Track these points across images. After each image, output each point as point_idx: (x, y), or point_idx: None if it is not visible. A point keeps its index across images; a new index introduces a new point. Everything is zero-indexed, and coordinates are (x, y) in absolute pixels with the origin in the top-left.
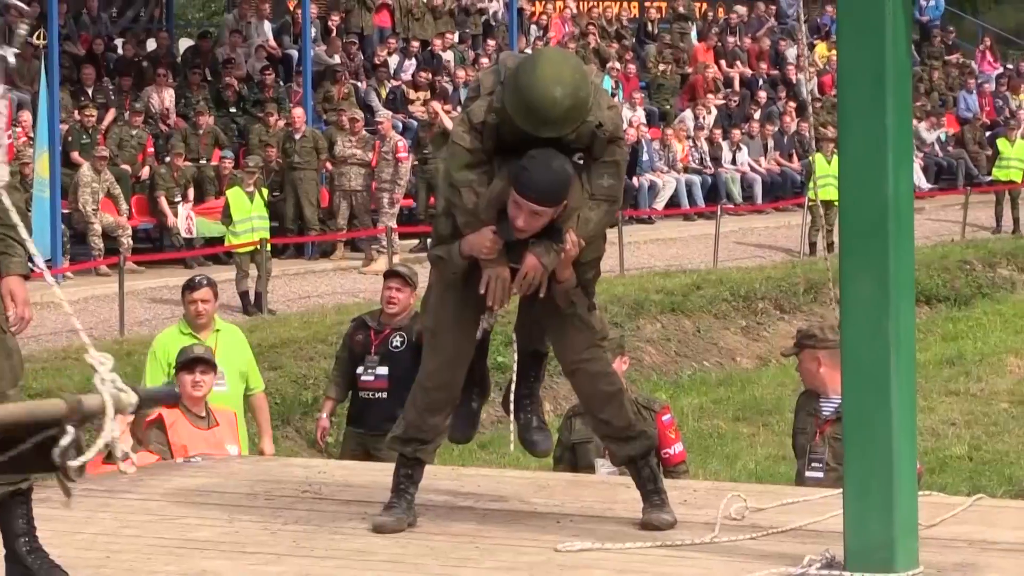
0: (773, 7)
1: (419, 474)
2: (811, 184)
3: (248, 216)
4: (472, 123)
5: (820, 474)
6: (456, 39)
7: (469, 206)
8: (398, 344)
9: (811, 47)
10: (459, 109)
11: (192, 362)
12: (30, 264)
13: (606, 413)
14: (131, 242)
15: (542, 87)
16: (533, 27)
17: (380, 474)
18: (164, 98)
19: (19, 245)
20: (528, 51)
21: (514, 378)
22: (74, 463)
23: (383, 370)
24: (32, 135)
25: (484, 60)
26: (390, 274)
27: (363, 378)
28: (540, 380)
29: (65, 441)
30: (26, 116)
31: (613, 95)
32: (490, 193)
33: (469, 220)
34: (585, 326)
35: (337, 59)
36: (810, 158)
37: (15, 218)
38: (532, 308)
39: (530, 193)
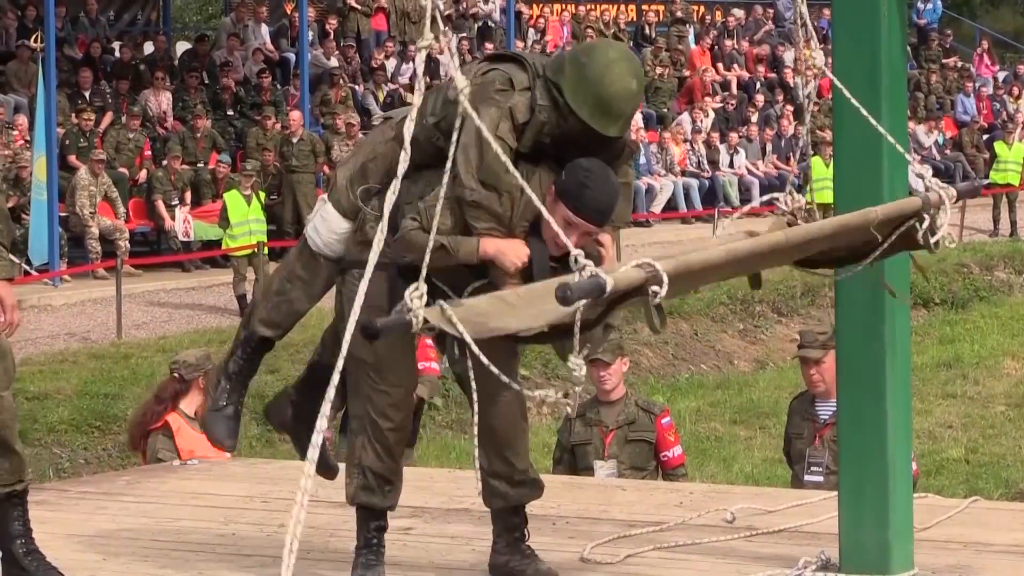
0: (771, 11)
1: (387, 523)
2: (808, 187)
3: (245, 219)
4: (516, 120)
5: (820, 478)
6: (454, 43)
7: (501, 212)
8: None
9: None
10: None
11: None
12: (26, 267)
13: (513, 451)
14: (128, 245)
15: (619, 79)
16: (531, 31)
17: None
18: (161, 101)
19: (3, 248)
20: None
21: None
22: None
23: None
24: (29, 138)
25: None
26: None
27: None
28: None
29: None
30: (22, 120)
31: None
32: (524, 203)
33: (494, 226)
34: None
35: (334, 62)
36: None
37: None
38: None
39: (591, 214)
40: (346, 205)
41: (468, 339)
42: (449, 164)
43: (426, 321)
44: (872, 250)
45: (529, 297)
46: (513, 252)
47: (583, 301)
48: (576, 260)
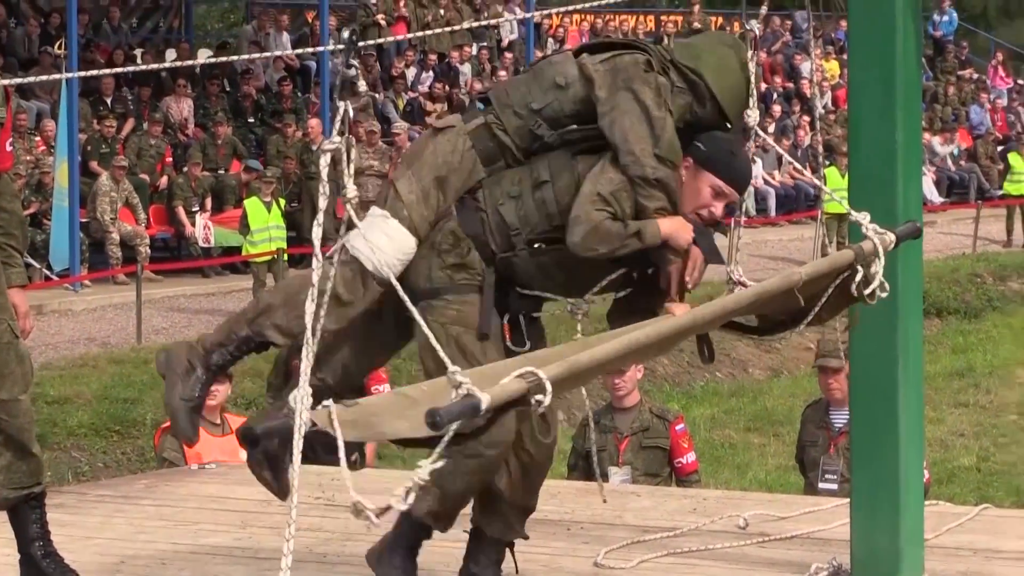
0: (788, 22)
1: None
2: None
3: (266, 226)
4: (666, 99)
5: (835, 486)
6: (474, 52)
7: (675, 189)
8: None
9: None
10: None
11: None
12: (47, 272)
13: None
14: (149, 251)
15: (747, 69)
16: (550, 40)
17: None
18: (183, 108)
19: (18, 255)
20: None
21: None
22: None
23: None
24: (52, 144)
25: (502, 72)
26: None
27: None
28: None
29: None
30: (51, 125)
31: None
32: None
33: (666, 205)
34: None
35: (355, 71)
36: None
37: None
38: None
39: (740, 180)
40: (417, 221)
41: (340, 443)
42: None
43: (313, 424)
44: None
45: (433, 392)
46: (684, 228)
47: (455, 424)
48: (453, 376)
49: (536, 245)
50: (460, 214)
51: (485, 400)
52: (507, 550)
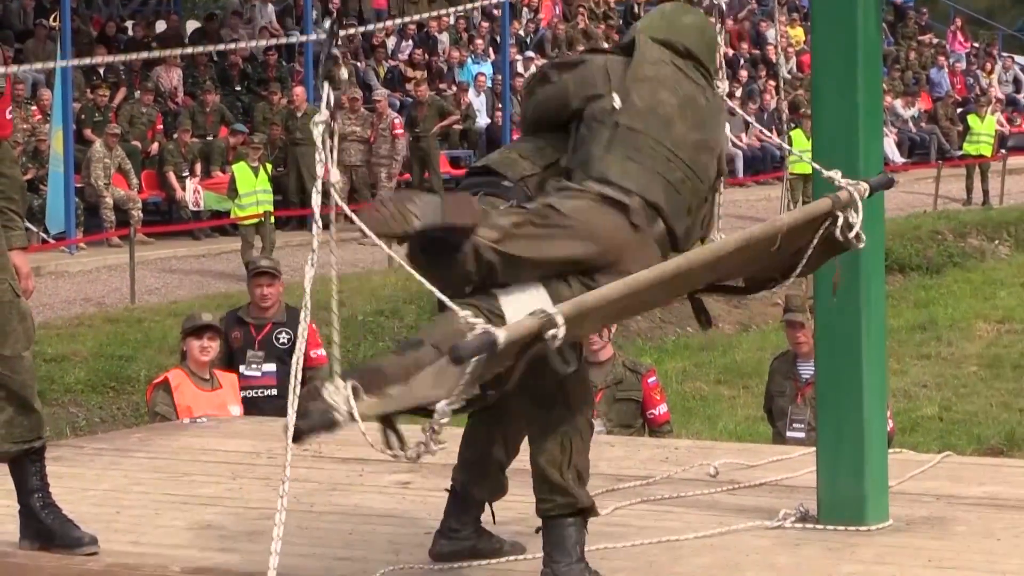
0: None
1: None
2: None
3: (253, 190)
4: None
5: (802, 434)
6: (451, 21)
7: None
8: (285, 341)
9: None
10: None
11: (200, 328)
12: (43, 236)
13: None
14: (141, 215)
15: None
16: (525, 9)
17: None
18: (173, 77)
19: (18, 218)
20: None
21: None
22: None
23: (270, 367)
24: (48, 113)
25: (478, 40)
26: (258, 272)
27: (246, 374)
28: None
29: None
30: (47, 94)
31: None
32: None
33: None
34: None
35: (338, 58)
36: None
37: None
38: None
39: None
40: None
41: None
42: None
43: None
44: (799, 262)
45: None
46: None
47: (476, 358)
48: (465, 320)
49: None
50: (522, 202)
51: (502, 335)
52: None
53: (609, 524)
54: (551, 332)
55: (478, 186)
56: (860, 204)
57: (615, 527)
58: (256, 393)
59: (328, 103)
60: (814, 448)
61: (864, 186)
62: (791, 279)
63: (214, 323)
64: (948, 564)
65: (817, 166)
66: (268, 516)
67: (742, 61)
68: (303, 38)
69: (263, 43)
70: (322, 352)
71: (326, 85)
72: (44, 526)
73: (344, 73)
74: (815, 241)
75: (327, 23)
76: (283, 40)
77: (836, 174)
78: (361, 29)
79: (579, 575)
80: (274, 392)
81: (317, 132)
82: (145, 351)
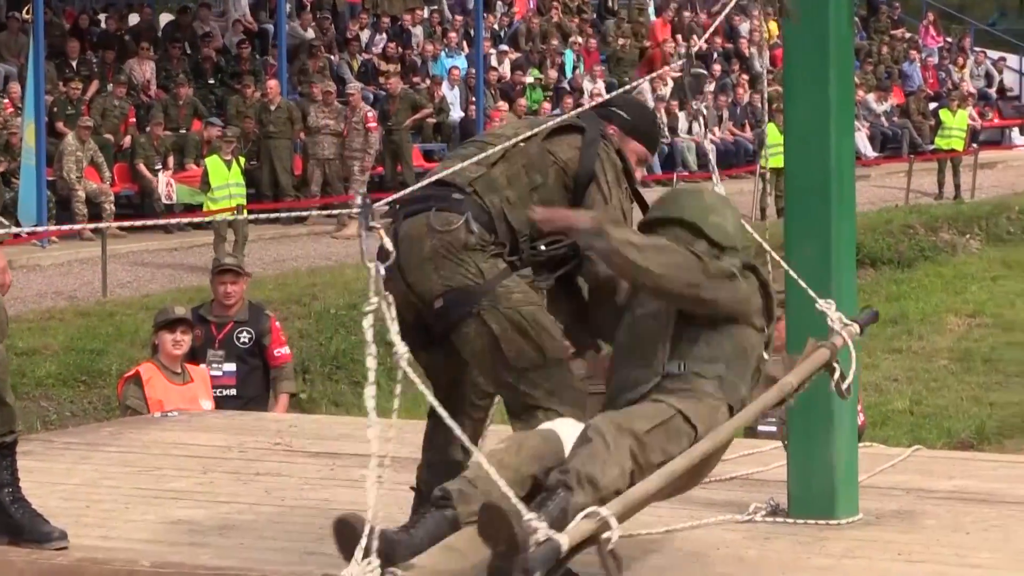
0: None
1: None
2: (763, 152)
3: (226, 183)
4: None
5: (773, 428)
6: (425, 14)
7: None
8: (246, 340)
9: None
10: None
11: (173, 322)
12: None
13: None
14: (114, 208)
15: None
16: (499, 3)
17: (348, 427)
18: (145, 70)
19: None
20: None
21: None
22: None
23: (230, 366)
24: (20, 106)
25: (452, 34)
26: (221, 269)
27: (209, 374)
28: None
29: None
30: (15, 88)
31: (575, 68)
32: None
33: None
34: None
35: (311, 33)
36: (763, 128)
37: None
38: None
39: (656, 147)
40: None
41: None
42: None
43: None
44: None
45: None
46: None
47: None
48: (530, 523)
49: (536, 246)
50: (475, 213)
51: (564, 542)
52: None
53: None
54: (606, 535)
55: (428, 199)
56: (852, 347)
57: None
58: (216, 392)
59: (379, 287)
60: (785, 443)
61: (855, 328)
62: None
63: (187, 317)
64: (917, 557)
65: (812, 293)
66: (239, 511)
67: (715, 55)
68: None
69: None
70: (286, 350)
71: (372, 267)
72: (13, 520)
73: (388, 243)
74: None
75: (358, 198)
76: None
77: (830, 307)
78: (391, 198)
79: None
80: (233, 392)
81: (367, 323)
82: (117, 345)
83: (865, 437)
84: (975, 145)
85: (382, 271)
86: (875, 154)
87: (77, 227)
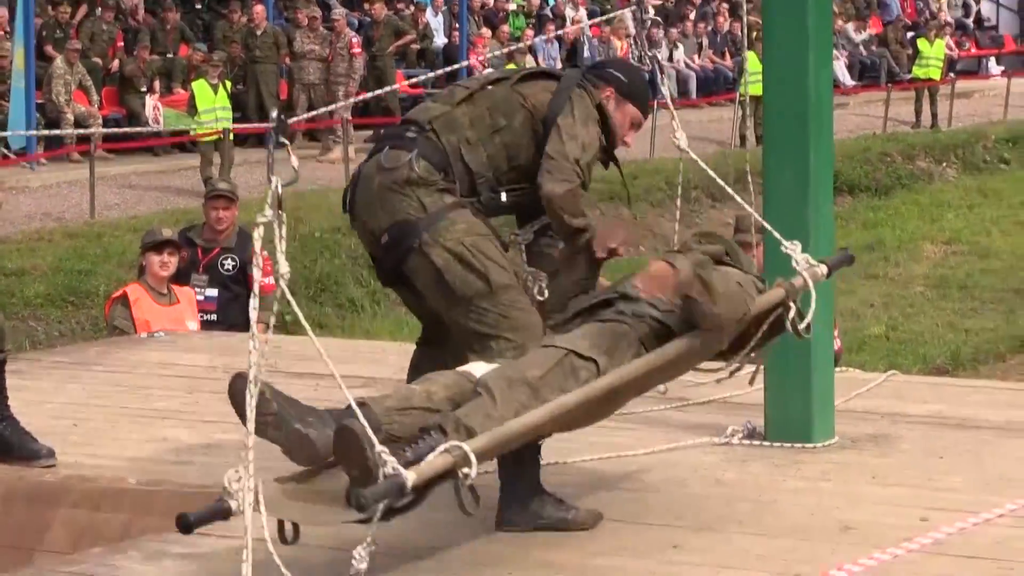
0: None
1: None
2: (743, 80)
3: (212, 107)
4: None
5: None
6: None
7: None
8: (230, 267)
9: None
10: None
11: (160, 244)
12: (3, 151)
13: None
14: (102, 130)
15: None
16: None
17: (331, 348)
18: None
19: None
20: None
21: None
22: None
23: (212, 292)
24: (8, 30)
25: None
26: (215, 194)
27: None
28: None
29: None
30: (3, 12)
31: None
32: None
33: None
34: None
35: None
36: (743, 55)
37: None
38: None
39: (647, 110)
40: None
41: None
42: None
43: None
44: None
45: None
46: (612, 236)
47: (381, 504)
48: (379, 455)
49: (497, 191)
50: (424, 151)
51: (410, 478)
52: None
53: (560, 440)
54: (464, 470)
55: (386, 139)
56: (814, 294)
57: (566, 443)
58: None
59: (277, 199)
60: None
61: (822, 269)
62: (735, 362)
63: (174, 239)
64: (891, 480)
65: (777, 235)
66: (224, 431)
67: None
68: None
69: None
70: (270, 280)
71: (274, 179)
72: (2, 438)
73: (294, 161)
74: (764, 327)
75: (273, 112)
76: None
77: (796, 249)
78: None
79: None
80: (214, 317)
81: (257, 234)
82: (104, 266)
83: (842, 362)
84: (952, 74)
85: (279, 187)
86: (853, 83)
87: (67, 135)
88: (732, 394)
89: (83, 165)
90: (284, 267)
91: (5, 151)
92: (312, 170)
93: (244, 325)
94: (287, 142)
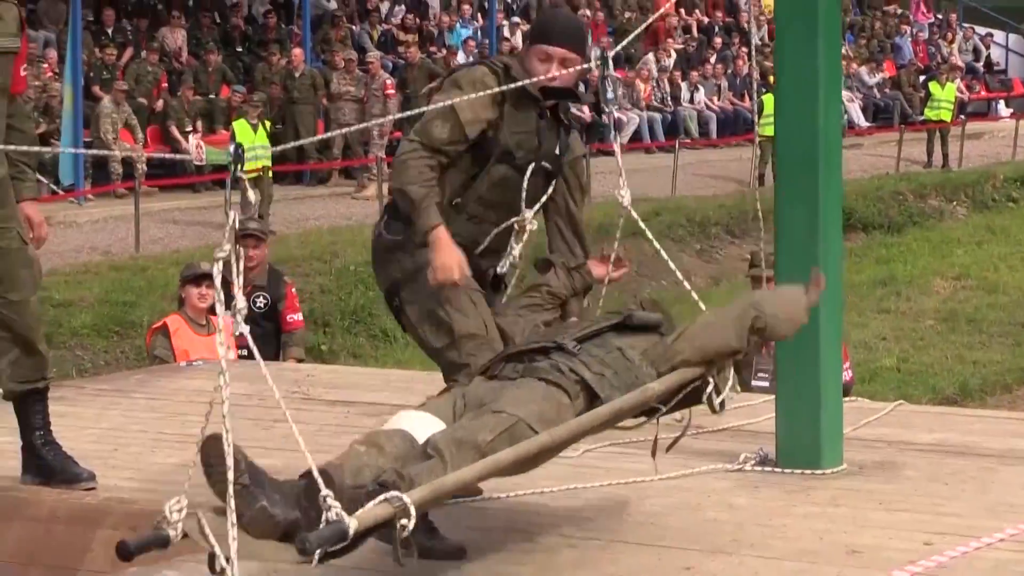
0: None
1: None
2: (760, 121)
3: (252, 146)
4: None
5: (766, 383)
6: None
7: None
8: (261, 305)
9: None
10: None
11: (198, 277)
12: (54, 187)
13: None
14: (146, 168)
15: None
16: None
17: (363, 377)
18: (177, 38)
19: (30, 171)
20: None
21: None
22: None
23: (244, 329)
24: (58, 71)
25: (465, 6)
26: (245, 234)
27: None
28: None
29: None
30: (52, 53)
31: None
32: None
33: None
34: None
35: (334, 4)
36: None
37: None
38: None
39: (562, 37)
40: None
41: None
42: None
43: (186, 534)
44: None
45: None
46: (446, 261)
47: (322, 549)
48: (324, 500)
49: (455, 202)
50: (391, 211)
51: (352, 525)
52: None
53: (579, 465)
54: (403, 522)
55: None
56: (730, 369)
57: (584, 468)
58: None
59: (230, 236)
60: (774, 396)
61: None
62: (653, 419)
63: (212, 272)
64: (898, 507)
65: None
66: (258, 455)
67: (716, 28)
68: None
69: None
70: (299, 317)
71: (231, 214)
72: (45, 462)
73: (252, 197)
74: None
75: (231, 146)
76: None
77: None
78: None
79: None
80: (244, 353)
81: (216, 269)
82: (148, 297)
83: (853, 392)
84: (962, 116)
85: (236, 221)
86: (867, 124)
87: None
88: (745, 422)
89: (128, 201)
90: (241, 302)
91: (55, 187)
92: (348, 207)
93: (274, 360)
94: (243, 176)
